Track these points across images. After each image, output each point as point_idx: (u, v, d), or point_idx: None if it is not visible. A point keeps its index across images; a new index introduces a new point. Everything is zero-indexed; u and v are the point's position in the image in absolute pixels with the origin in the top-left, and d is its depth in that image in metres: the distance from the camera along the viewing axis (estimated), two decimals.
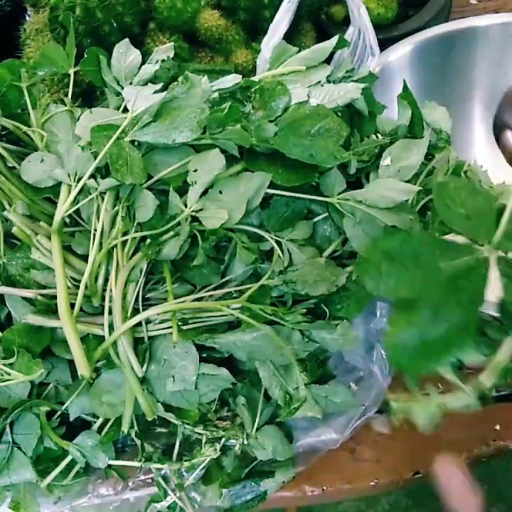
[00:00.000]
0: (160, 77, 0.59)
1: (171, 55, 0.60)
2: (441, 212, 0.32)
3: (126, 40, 0.61)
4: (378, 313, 0.57)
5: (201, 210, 0.48)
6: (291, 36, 0.71)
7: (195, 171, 0.48)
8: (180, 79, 0.51)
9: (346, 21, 0.68)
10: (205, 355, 0.52)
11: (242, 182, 0.49)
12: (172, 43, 0.62)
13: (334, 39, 0.57)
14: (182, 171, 0.49)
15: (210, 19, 0.64)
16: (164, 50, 0.61)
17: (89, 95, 0.67)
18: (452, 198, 0.32)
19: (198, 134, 0.48)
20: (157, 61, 0.60)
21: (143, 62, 0.60)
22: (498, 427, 0.58)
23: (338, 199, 0.49)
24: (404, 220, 0.49)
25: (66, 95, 0.59)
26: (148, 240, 0.49)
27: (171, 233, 0.49)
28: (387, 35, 0.76)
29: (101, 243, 0.49)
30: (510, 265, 0.28)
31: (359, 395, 0.57)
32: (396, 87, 0.61)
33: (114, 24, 0.65)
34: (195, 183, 0.48)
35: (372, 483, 0.58)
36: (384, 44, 0.72)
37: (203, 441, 0.53)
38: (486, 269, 0.28)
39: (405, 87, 0.53)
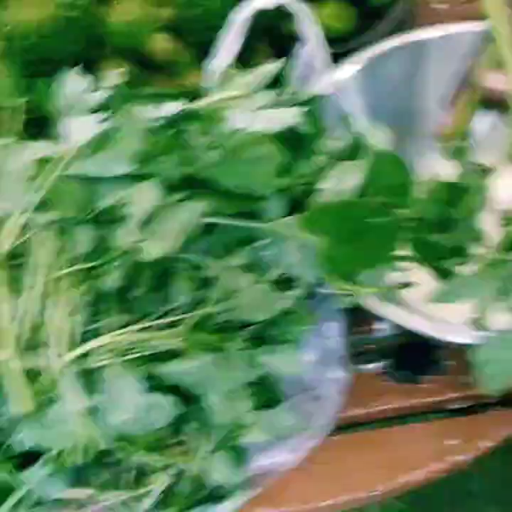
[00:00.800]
0: (110, 104, 0.59)
1: (122, 81, 0.61)
2: (368, 183, 0.43)
3: (77, 67, 0.61)
4: (329, 332, 0.58)
5: (141, 241, 0.48)
6: (245, 55, 0.71)
7: (134, 201, 0.49)
8: (120, 108, 0.52)
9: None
10: (153, 382, 0.52)
11: (181, 211, 0.49)
12: (123, 69, 0.62)
13: (279, 61, 0.57)
14: (121, 201, 0.49)
15: (161, 42, 0.65)
16: (115, 76, 0.62)
17: (41, 123, 0.67)
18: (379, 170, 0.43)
19: (137, 165, 0.49)
20: (108, 87, 0.60)
21: (95, 89, 0.61)
22: (453, 442, 0.58)
23: (279, 224, 0.50)
24: None
25: (18, 125, 0.60)
26: (90, 272, 0.49)
27: (112, 265, 0.49)
28: (344, 49, 0.75)
29: (43, 276, 0.49)
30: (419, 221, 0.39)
31: (314, 414, 0.58)
32: (346, 104, 0.62)
33: (66, 51, 0.66)
34: (134, 214, 0.48)
35: (329, 502, 0.58)
36: (341, 58, 0.73)
37: (157, 467, 0.54)
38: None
39: (346, 110, 0.53)
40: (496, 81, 0.37)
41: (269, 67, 0.59)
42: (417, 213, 0.42)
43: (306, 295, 0.54)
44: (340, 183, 0.51)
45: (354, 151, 0.54)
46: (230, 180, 0.47)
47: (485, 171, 0.42)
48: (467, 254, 0.44)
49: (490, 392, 0.44)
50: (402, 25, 0.86)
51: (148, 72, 0.67)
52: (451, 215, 0.43)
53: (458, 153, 0.42)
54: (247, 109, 0.54)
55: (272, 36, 0.75)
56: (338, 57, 0.72)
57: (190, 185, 0.50)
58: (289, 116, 0.52)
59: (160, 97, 0.62)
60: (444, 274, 0.46)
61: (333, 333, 0.58)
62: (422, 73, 0.66)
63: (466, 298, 0.44)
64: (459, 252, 0.44)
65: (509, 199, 0.44)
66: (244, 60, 0.73)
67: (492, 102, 0.37)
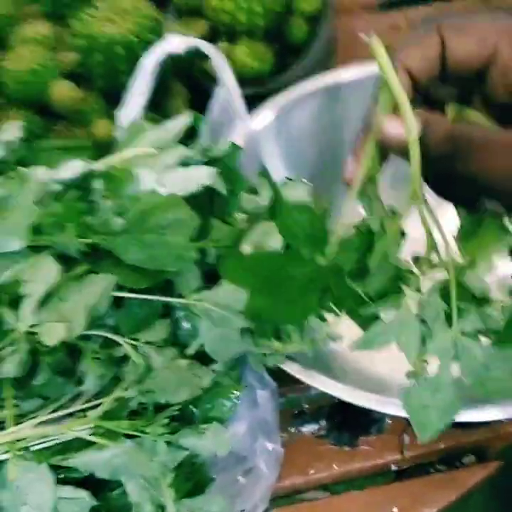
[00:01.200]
0: (6, 162, 0.54)
1: (20, 134, 0.55)
2: (285, 235, 0.43)
3: None
4: (259, 401, 0.54)
5: (38, 324, 0.43)
6: (159, 99, 0.67)
7: (30, 279, 0.43)
8: (11, 173, 0.46)
9: None
10: (63, 475, 0.47)
11: (84, 286, 0.44)
12: (21, 121, 0.57)
13: (186, 116, 0.53)
14: (16, 279, 0.44)
15: (63, 90, 0.60)
16: (12, 128, 0.56)
17: None
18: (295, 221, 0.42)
19: (29, 240, 0.43)
20: (3, 142, 0.55)
21: None
22: (397, 509, 0.55)
23: (193, 300, 0.45)
24: None
25: None
26: None
27: (10, 349, 0.44)
28: (265, 89, 0.72)
29: None
30: (337, 270, 0.40)
31: (246, 490, 0.53)
32: (263, 154, 0.59)
33: None
34: (30, 294, 0.43)
35: None
36: (262, 98, 0.69)
37: None
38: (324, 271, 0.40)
39: (263, 167, 0.50)
40: (392, 126, 0.36)
41: (182, 120, 0.54)
42: (333, 261, 0.42)
43: (231, 365, 0.50)
44: (262, 245, 0.48)
45: (274, 207, 0.51)
46: (135, 254, 0.43)
47: (394, 215, 0.42)
48: (390, 298, 0.43)
49: (423, 440, 0.41)
50: (324, 60, 0.84)
51: (52, 123, 0.62)
52: (367, 260, 0.42)
53: (365, 198, 0.42)
54: (158, 168, 0.49)
55: (189, 77, 0.71)
56: (258, 99, 0.69)
57: (93, 257, 0.45)
58: (203, 175, 0.48)
59: (65, 151, 0.57)
60: (365, 321, 0.44)
61: (263, 399, 0.54)
62: (342, 115, 0.64)
63: (387, 343, 0.42)
64: (380, 297, 0.43)
65: (417, 241, 0.44)
66: (160, 103, 0.69)
67: (391, 147, 0.37)
